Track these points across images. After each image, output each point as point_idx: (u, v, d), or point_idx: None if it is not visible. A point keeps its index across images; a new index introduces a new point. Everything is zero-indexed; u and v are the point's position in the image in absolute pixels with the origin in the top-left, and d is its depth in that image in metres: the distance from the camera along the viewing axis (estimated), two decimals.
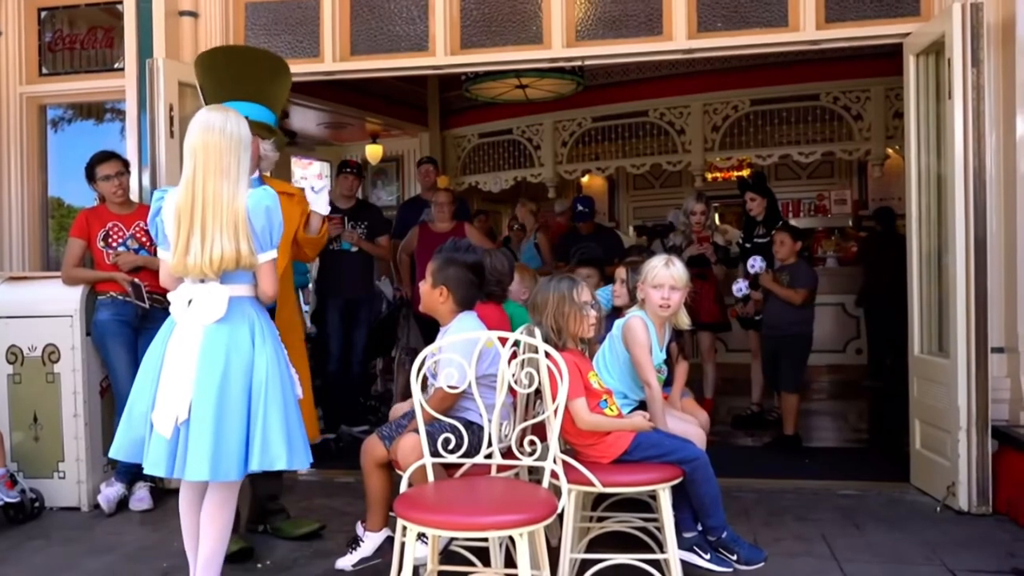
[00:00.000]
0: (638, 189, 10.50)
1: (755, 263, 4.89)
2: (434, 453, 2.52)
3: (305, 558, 3.24)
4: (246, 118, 3.01)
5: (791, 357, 4.81)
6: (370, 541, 3.09)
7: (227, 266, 2.47)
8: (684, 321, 3.06)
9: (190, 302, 2.50)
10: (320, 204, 3.25)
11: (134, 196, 4.14)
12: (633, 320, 2.95)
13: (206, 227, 2.45)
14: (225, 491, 2.54)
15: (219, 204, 2.46)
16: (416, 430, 2.57)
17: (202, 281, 2.50)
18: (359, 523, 3.16)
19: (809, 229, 8.48)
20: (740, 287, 5.07)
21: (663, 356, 3.07)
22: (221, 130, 2.50)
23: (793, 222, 6.01)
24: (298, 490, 3.85)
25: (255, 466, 2.46)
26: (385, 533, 3.07)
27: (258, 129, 3.11)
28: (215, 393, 2.43)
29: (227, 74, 3.25)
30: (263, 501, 3.51)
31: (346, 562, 3.09)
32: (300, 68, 4.46)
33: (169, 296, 2.58)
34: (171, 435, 2.44)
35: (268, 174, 3.41)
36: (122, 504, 3.87)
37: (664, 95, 8.17)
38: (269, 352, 2.54)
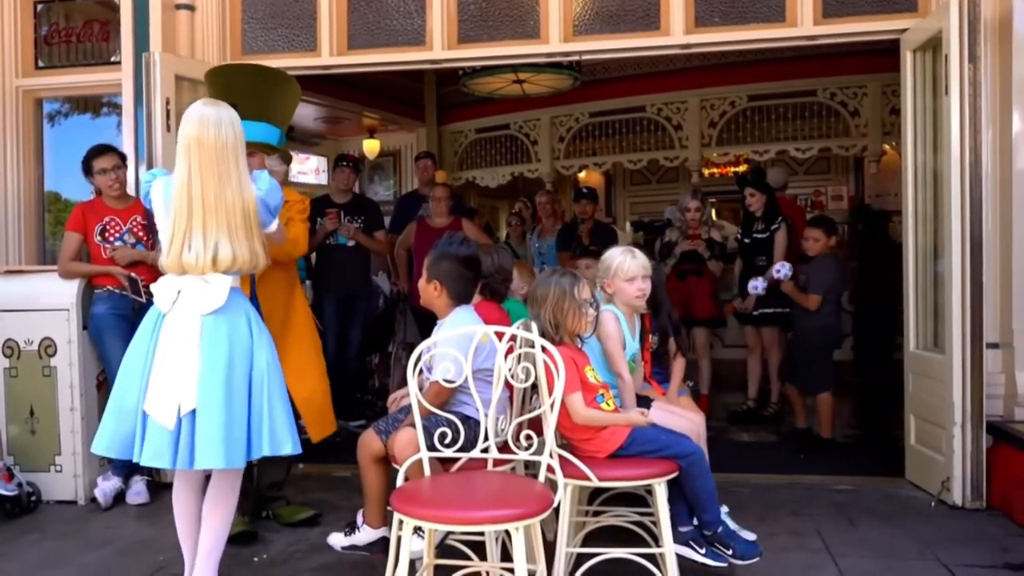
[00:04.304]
0: (635, 185, 10.50)
1: (782, 269, 4.67)
2: (430, 447, 2.52)
3: (301, 552, 3.25)
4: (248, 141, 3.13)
5: (801, 358, 4.77)
6: (365, 533, 3.09)
7: (241, 268, 2.50)
8: (643, 304, 3.12)
9: (179, 293, 2.49)
10: None
11: (131, 190, 4.14)
12: (604, 315, 2.99)
13: (208, 230, 2.46)
14: (230, 479, 2.57)
15: (223, 208, 2.47)
16: (412, 424, 2.58)
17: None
18: (360, 512, 3.17)
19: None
20: (756, 285, 4.84)
21: (636, 346, 3.13)
22: (216, 130, 2.50)
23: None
24: (295, 484, 3.86)
25: (266, 451, 2.48)
26: (382, 532, 3.06)
27: (260, 149, 3.18)
28: (222, 382, 2.44)
29: (228, 95, 3.22)
30: (265, 489, 3.56)
31: (337, 541, 3.10)
32: (297, 62, 4.47)
33: (153, 287, 2.57)
34: (174, 426, 2.42)
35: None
36: (119, 498, 3.88)
37: (661, 91, 8.16)
38: (266, 342, 2.57)
